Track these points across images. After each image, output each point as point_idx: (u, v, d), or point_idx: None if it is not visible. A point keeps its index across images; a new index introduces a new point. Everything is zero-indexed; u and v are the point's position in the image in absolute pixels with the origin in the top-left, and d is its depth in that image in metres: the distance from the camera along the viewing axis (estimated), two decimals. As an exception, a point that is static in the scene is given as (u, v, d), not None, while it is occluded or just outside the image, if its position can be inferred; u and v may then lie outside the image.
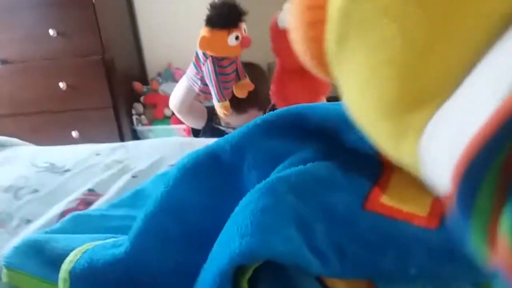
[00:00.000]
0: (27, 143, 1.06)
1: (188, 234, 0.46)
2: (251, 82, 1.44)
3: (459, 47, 0.16)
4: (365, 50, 0.19)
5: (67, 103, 2.00)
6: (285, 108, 0.48)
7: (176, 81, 2.22)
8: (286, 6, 1.31)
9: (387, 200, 0.39)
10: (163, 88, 2.17)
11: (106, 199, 0.70)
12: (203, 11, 2.30)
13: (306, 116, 0.45)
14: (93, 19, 1.88)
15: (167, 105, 2.19)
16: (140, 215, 0.48)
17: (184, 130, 1.96)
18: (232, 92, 1.48)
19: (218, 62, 1.54)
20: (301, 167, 0.42)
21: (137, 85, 2.15)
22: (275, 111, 0.48)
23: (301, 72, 1.59)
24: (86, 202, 0.69)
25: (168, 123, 2.10)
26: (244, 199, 0.41)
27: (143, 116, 2.13)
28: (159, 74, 2.26)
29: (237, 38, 1.49)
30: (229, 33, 1.50)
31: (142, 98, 2.14)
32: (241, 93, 1.49)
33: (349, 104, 0.23)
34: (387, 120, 0.20)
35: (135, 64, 2.29)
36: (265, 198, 0.39)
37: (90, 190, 0.73)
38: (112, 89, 1.99)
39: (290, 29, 0.27)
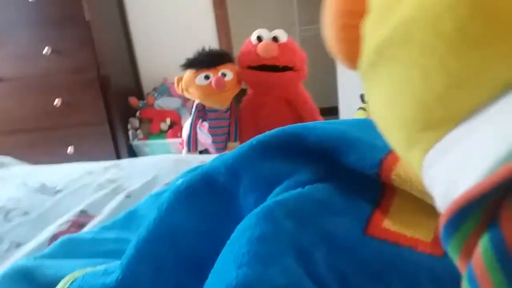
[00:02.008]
0: (19, 162, 1.04)
1: (182, 262, 0.44)
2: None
3: (470, 96, 0.20)
4: (390, 80, 0.23)
5: (62, 120, 1.99)
6: (280, 128, 0.46)
7: (172, 95, 2.22)
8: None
9: (390, 225, 0.38)
10: (158, 102, 2.16)
11: (98, 221, 0.68)
12: (198, 27, 2.36)
13: (302, 136, 0.44)
14: (88, 37, 1.88)
15: (163, 120, 2.19)
16: (132, 241, 0.46)
17: (180, 144, 1.94)
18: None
19: (200, 112, 1.56)
20: (299, 190, 0.40)
21: (133, 100, 2.15)
22: (269, 131, 0.47)
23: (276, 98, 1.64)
24: (78, 224, 0.67)
25: (164, 137, 2.08)
26: (240, 225, 0.40)
27: (139, 131, 2.11)
28: (155, 89, 2.25)
29: (207, 78, 1.52)
30: (198, 73, 1.53)
31: (138, 113, 2.13)
32: None
33: (373, 112, 0.27)
34: (402, 133, 0.24)
35: (130, 80, 2.28)
36: (262, 224, 0.37)
37: (82, 212, 0.71)
38: (108, 104, 1.98)
39: (324, 30, 0.29)
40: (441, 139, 0.21)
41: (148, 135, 2.11)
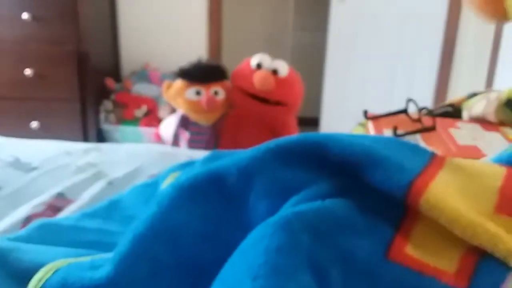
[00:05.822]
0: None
1: (182, 264, 0.41)
2: None
3: None
4: None
5: (31, 91, 1.88)
6: (302, 134, 0.44)
7: (151, 82, 2.15)
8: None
9: (412, 251, 0.36)
10: (136, 88, 2.09)
11: (77, 206, 0.63)
12: (189, 16, 2.31)
13: (326, 146, 0.42)
14: (72, 7, 1.79)
15: (138, 106, 2.11)
16: (127, 235, 0.42)
17: (155, 134, 1.88)
18: None
19: (184, 121, 1.51)
20: (319, 203, 0.38)
21: (109, 81, 2.06)
22: (289, 137, 0.44)
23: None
24: (54, 208, 0.62)
25: (137, 125, 2.01)
26: (254, 232, 0.37)
27: (111, 115, 2.03)
28: (134, 73, 2.17)
29: (198, 93, 1.46)
30: (189, 86, 1.47)
31: (113, 96, 2.05)
32: None
33: None
34: None
35: (110, 59, 2.19)
36: (280, 235, 0.35)
37: (60, 195, 0.66)
38: (82, 82, 1.89)
39: None
40: None
41: (120, 121, 2.03)
